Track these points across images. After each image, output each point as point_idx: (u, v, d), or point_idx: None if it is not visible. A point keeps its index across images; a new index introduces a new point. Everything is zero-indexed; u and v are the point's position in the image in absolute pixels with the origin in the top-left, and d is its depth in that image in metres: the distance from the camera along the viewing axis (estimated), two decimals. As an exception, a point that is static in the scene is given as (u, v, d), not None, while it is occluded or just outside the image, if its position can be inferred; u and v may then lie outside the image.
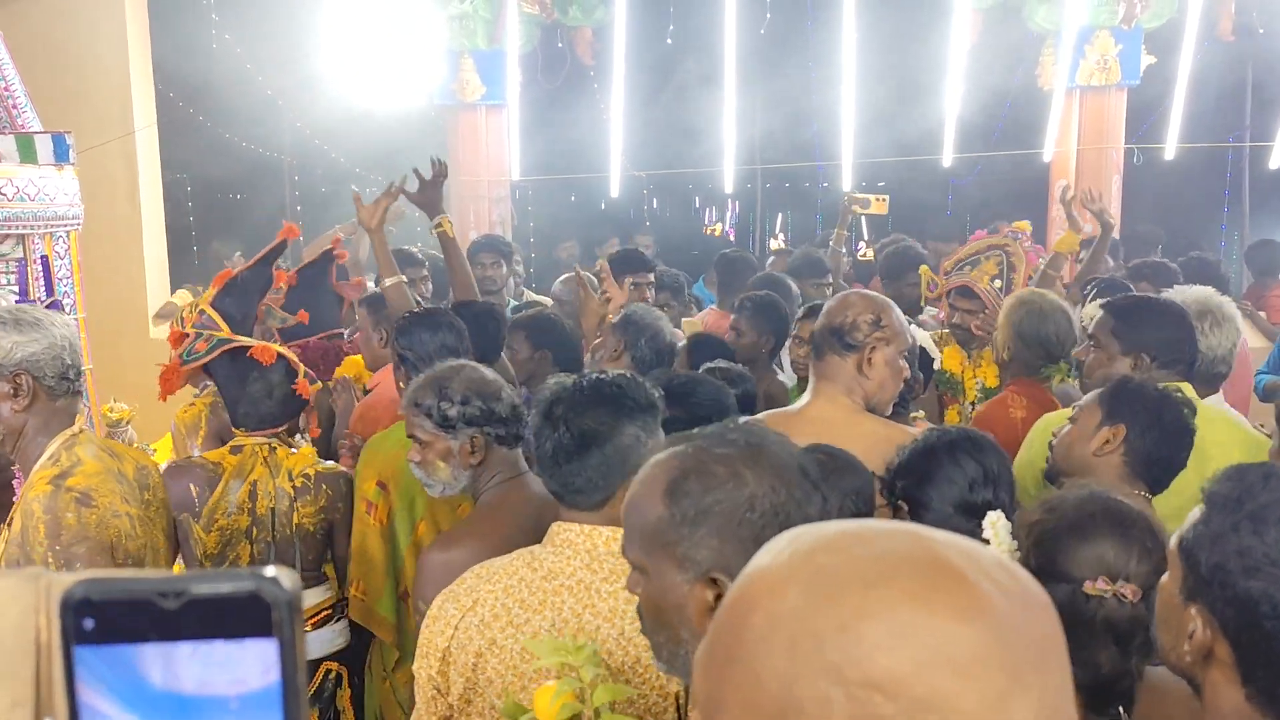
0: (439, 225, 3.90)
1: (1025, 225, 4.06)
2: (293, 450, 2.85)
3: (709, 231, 10.45)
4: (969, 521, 1.83)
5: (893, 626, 0.58)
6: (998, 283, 3.66)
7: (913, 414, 3.07)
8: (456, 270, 4.01)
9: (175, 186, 7.84)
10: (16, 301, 3.26)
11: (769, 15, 8.05)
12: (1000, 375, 3.46)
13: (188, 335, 2.86)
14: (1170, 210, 8.44)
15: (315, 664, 2.85)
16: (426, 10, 6.85)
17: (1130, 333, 2.76)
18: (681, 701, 1.64)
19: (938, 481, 1.93)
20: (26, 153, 3.37)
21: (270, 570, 0.44)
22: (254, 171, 8.30)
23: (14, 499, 2.73)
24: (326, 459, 3.07)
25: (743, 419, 1.61)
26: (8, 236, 3.37)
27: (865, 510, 1.92)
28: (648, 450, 1.65)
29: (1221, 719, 1.30)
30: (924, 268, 4.03)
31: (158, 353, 3.07)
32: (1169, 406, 2.22)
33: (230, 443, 2.85)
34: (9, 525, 2.18)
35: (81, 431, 2.25)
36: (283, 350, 2.86)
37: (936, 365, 3.32)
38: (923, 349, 3.10)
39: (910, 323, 4.15)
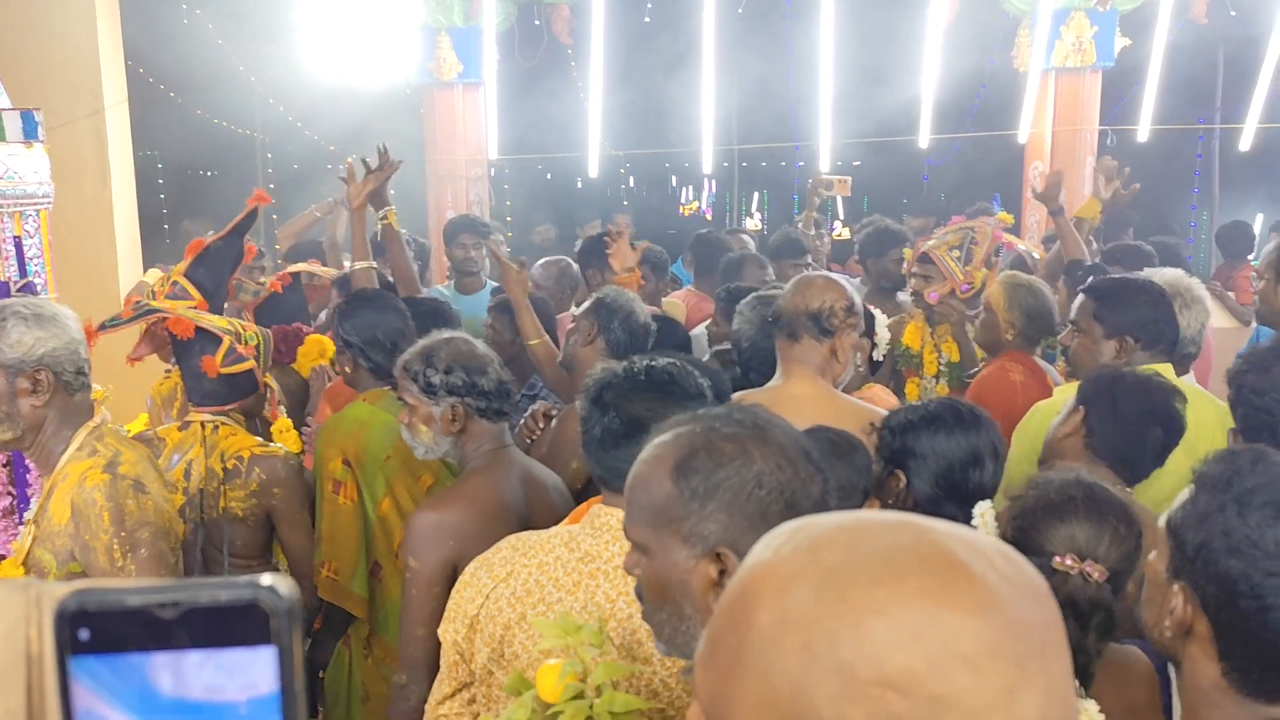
0: (384, 217, 3.87)
1: (1008, 218, 4.08)
2: (236, 432, 2.77)
3: (683, 211, 10.43)
4: (963, 475, 2.03)
5: (904, 624, 0.58)
6: (956, 252, 3.66)
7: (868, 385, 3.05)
8: (398, 265, 3.97)
9: (146, 165, 7.72)
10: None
11: (746, -5, 8.03)
12: (993, 352, 3.46)
13: (139, 303, 2.83)
14: (1141, 191, 8.49)
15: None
16: (402, -14, 6.77)
17: (1111, 315, 2.78)
18: None
19: (934, 435, 2.07)
20: (-6, 130, 3.31)
21: (268, 579, 0.45)
22: (226, 149, 8.20)
23: (28, 493, 2.71)
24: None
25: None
26: (-24, 216, 3.31)
27: (870, 485, 2.03)
28: None
29: (1199, 694, 1.33)
30: (906, 249, 4.05)
31: (130, 333, 3.03)
32: (1126, 387, 2.24)
33: (185, 418, 2.82)
34: (35, 522, 2.16)
35: (104, 423, 2.23)
36: (205, 324, 2.74)
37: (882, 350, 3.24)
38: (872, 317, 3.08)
39: (898, 298, 4.18)
